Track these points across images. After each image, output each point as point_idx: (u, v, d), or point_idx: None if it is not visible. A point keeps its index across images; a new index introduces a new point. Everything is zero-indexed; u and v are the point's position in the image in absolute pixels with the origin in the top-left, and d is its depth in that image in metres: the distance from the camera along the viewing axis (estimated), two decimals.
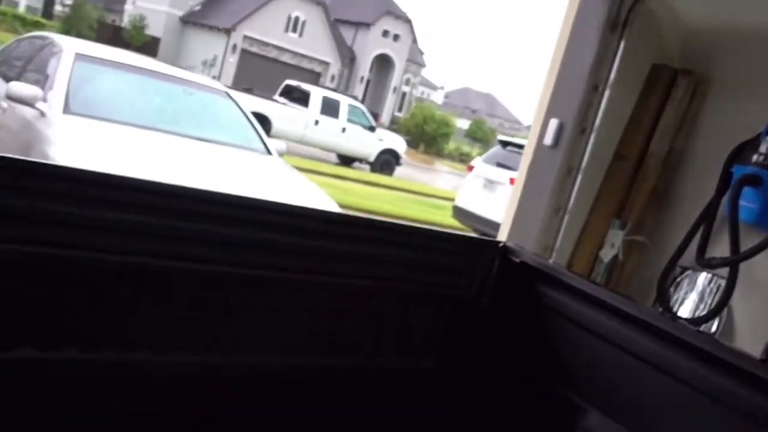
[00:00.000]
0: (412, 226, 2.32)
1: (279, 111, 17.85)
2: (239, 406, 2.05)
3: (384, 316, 2.22)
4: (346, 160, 19.63)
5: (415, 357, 2.31)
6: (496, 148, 10.84)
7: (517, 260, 2.23)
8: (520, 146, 8.55)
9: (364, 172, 18.45)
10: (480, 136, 45.24)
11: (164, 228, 1.84)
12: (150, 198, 1.83)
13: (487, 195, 9.91)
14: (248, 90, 18.12)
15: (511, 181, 8.73)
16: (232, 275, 1.96)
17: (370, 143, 19.40)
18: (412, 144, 29.18)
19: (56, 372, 1.77)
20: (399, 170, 20.25)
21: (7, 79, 5.61)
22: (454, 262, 2.26)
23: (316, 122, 18.70)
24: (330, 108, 19.06)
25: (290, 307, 2.08)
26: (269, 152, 5.88)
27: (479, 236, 2.40)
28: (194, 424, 2.01)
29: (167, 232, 1.85)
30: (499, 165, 10.06)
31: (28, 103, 4.93)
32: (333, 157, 19.59)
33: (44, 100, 4.96)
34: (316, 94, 19.49)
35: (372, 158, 19.46)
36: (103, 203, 1.76)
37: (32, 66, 5.93)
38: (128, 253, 1.81)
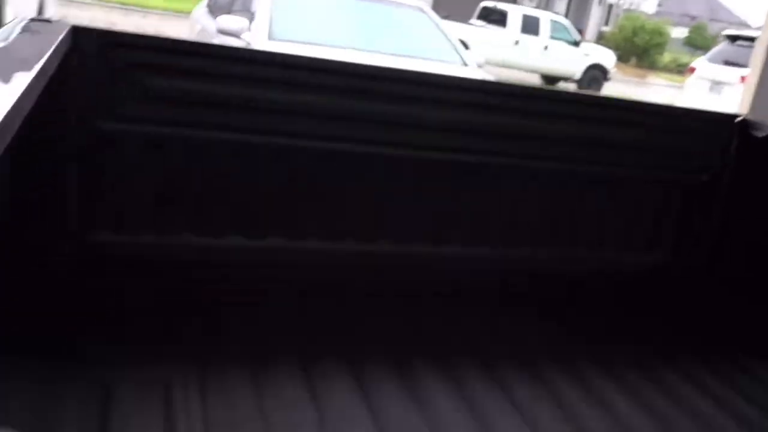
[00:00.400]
0: (630, 101, 2.04)
1: (476, 35, 17.35)
2: (450, 294, 2.00)
3: (606, 205, 2.00)
4: (550, 80, 18.77)
5: (642, 252, 2.06)
6: (723, 45, 9.61)
7: (762, 135, 1.87)
8: (753, 39, 7.48)
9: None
10: (701, 44, 41.02)
11: (377, 113, 1.85)
12: (363, 82, 1.85)
13: (712, 98, 8.88)
14: (445, 17, 17.83)
15: (742, 79, 7.74)
16: (450, 161, 1.90)
17: (575, 60, 18.36)
18: (622, 59, 27.20)
19: (300, 259, 1.84)
20: (608, 86, 19.00)
21: None
22: (683, 142, 1.96)
23: (516, 42, 17.99)
24: (530, 26, 18.23)
25: (512, 193, 1.97)
26: (466, 64, 5.75)
27: (711, 110, 2.04)
28: (409, 310, 2.00)
29: (381, 118, 1.85)
30: (727, 63, 8.94)
31: (235, 34, 5.17)
32: (536, 79, 18.84)
33: (249, 30, 5.17)
34: (515, 12, 18.70)
35: (578, 75, 18.44)
36: (314, 88, 1.83)
37: (237, 5, 6.21)
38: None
